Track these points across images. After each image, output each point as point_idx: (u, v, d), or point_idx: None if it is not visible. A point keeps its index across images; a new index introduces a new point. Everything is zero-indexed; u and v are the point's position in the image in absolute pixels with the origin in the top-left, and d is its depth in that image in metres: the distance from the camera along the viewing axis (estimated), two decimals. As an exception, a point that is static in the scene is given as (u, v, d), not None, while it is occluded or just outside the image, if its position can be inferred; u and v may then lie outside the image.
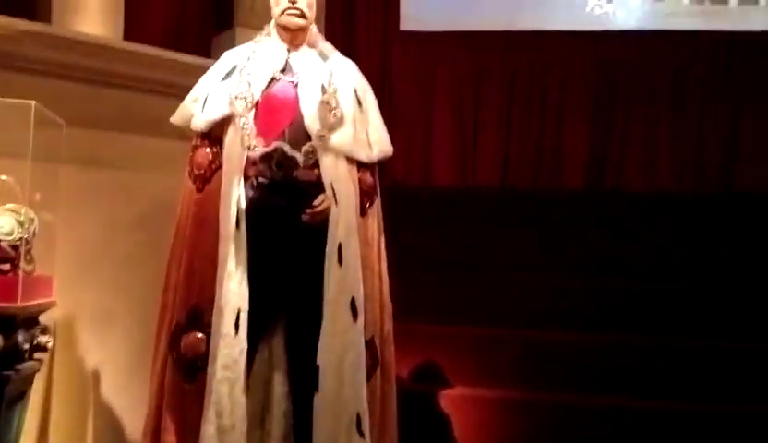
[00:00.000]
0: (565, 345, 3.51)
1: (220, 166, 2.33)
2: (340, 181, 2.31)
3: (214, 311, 2.24)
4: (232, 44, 2.84)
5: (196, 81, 2.45)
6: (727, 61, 4.92)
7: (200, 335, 2.27)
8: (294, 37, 2.38)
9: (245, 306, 2.22)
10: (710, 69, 4.91)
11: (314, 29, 2.45)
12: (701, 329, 3.59)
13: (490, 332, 3.58)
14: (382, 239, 2.48)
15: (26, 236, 2.07)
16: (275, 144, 2.26)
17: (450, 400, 3.26)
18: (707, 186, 4.88)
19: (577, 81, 5.04)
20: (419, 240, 4.66)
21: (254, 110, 2.30)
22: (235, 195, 2.23)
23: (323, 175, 2.28)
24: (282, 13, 2.34)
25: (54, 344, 2.23)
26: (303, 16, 2.33)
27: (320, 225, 2.26)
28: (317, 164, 2.28)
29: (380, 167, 2.49)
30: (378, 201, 2.48)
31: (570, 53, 5.06)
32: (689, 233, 4.69)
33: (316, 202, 2.25)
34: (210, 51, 3.51)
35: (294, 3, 2.31)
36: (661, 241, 4.63)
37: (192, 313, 2.29)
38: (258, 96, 2.31)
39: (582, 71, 5.04)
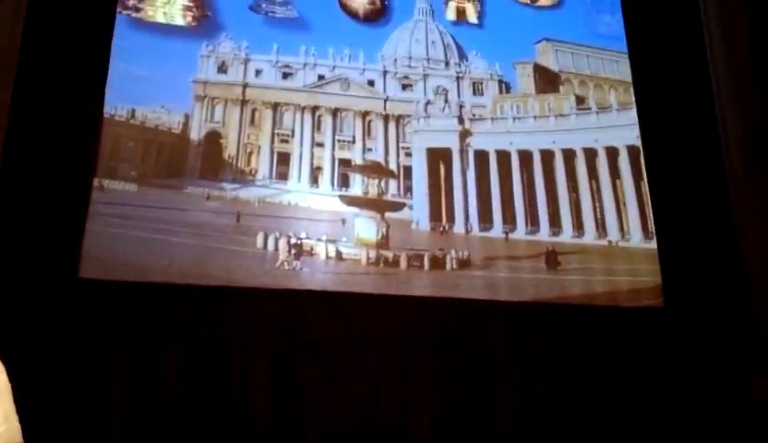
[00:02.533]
0: None
1: None
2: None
3: None
4: None
5: None
6: (401, 324, 5.27)
7: None
8: None
9: None
10: (383, 332, 5.21)
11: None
12: None
13: None
14: None
15: None
16: None
17: None
18: (383, 439, 5.03)
19: (261, 337, 5.07)
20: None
21: None
22: None
23: None
24: None
25: None
26: None
27: None
28: None
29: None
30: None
31: (255, 308, 5.13)
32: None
33: None
34: None
35: None
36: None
37: None
38: None
39: (265, 326, 5.10)
